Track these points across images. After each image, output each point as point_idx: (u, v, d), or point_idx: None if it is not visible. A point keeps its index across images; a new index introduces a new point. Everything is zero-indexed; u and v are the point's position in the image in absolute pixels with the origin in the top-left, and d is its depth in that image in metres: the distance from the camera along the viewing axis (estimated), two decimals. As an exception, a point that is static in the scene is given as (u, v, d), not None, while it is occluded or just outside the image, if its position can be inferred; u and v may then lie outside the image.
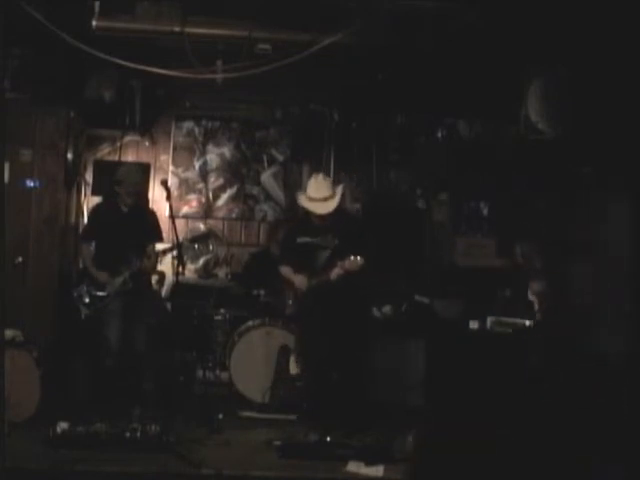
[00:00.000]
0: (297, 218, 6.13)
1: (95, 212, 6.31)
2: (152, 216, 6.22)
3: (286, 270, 5.85)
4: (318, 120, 7.67)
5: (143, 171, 7.15)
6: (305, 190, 5.74)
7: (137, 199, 6.09)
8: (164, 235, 6.29)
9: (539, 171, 6.72)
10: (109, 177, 6.45)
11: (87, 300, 5.86)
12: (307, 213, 5.69)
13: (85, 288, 5.90)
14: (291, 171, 7.90)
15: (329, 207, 5.57)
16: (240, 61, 6.02)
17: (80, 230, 6.95)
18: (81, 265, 6.46)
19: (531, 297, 5.53)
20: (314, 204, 5.60)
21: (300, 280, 5.73)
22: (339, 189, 5.68)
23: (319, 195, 5.59)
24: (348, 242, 5.55)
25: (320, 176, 5.73)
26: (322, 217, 5.62)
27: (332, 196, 5.60)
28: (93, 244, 6.07)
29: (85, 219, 7.00)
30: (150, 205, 6.91)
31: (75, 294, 5.91)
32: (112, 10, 5.82)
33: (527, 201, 6.73)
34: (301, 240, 5.73)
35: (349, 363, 5.66)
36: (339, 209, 5.67)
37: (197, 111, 7.77)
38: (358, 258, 5.36)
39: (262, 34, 5.95)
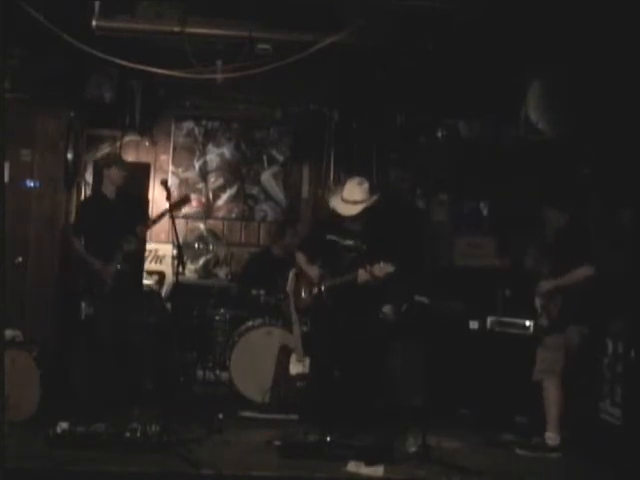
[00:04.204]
0: (325, 216, 6.16)
1: (84, 206, 6.31)
2: (135, 198, 6.20)
3: (301, 258, 5.85)
4: (318, 120, 7.68)
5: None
6: (340, 191, 5.75)
7: (125, 181, 6.03)
8: (163, 235, 6.30)
9: (539, 171, 6.73)
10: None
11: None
12: (337, 214, 5.71)
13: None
14: (291, 171, 7.91)
15: (354, 210, 5.58)
16: (240, 61, 6.02)
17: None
18: (75, 259, 6.40)
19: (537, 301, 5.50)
20: (344, 206, 5.62)
21: (314, 271, 5.74)
22: (373, 197, 5.64)
23: (352, 198, 5.61)
24: (376, 248, 5.57)
25: (357, 180, 5.70)
26: (351, 219, 5.64)
27: (364, 201, 5.59)
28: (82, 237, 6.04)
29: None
30: (150, 205, 6.91)
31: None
32: (112, 10, 5.82)
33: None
34: (330, 238, 5.74)
35: (352, 362, 5.66)
36: (371, 215, 5.65)
37: (197, 111, 7.78)
38: (389, 265, 5.37)
39: (262, 34, 5.95)
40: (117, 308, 5.84)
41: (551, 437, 5.23)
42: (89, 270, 5.87)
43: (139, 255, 6.17)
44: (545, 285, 5.39)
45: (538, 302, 5.46)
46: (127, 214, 5.94)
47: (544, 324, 5.42)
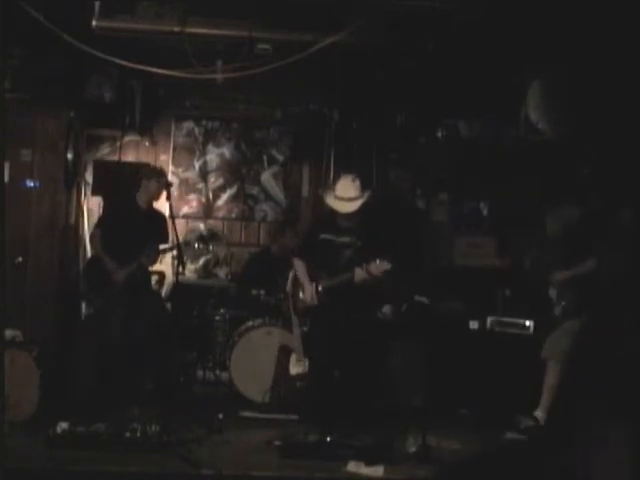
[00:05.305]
0: (322, 215, 6.15)
1: (114, 205, 6.43)
2: (163, 218, 6.31)
3: (299, 268, 5.83)
4: (318, 120, 7.68)
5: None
6: (333, 189, 5.73)
7: (159, 196, 6.20)
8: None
9: (539, 171, 6.73)
10: (109, 177, 6.49)
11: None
12: (332, 212, 5.70)
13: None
14: (291, 171, 7.91)
15: (352, 207, 5.57)
16: (240, 61, 6.03)
17: (81, 228, 7.03)
18: (91, 252, 6.48)
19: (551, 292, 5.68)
20: (340, 203, 5.60)
21: (308, 288, 5.73)
22: (366, 193, 5.63)
23: (346, 195, 5.59)
24: (372, 244, 5.55)
25: (350, 177, 5.68)
26: (346, 216, 5.62)
27: (358, 198, 5.58)
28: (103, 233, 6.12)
29: (86, 217, 7.10)
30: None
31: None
32: (112, 10, 5.83)
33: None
34: (325, 237, 5.73)
35: (352, 362, 5.66)
36: (366, 212, 5.64)
37: (197, 111, 7.77)
38: (385, 262, 5.36)
39: (262, 34, 5.96)
40: (124, 308, 5.89)
41: (539, 415, 5.45)
42: (101, 268, 5.93)
43: (147, 273, 6.38)
44: (560, 275, 5.58)
45: (552, 293, 5.66)
46: (151, 228, 6.10)
47: (559, 312, 5.60)
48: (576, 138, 6.21)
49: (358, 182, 5.65)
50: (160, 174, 6.26)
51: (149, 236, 6.06)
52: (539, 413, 5.48)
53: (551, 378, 5.46)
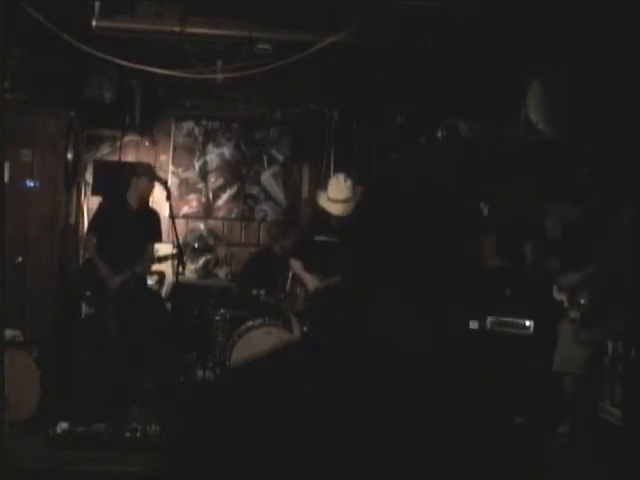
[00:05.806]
0: (315, 216, 6.13)
1: (104, 208, 6.37)
2: (156, 216, 6.28)
3: (297, 266, 5.81)
4: (318, 120, 7.68)
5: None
6: (326, 190, 5.68)
7: (149, 194, 6.17)
8: (164, 235, 6.32)
9: (539, 171, 6.72)
10: (109, 177, 6.48)
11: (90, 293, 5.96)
12: (325, 213, 5.64)
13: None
14: (291, 171, 7.91)
15: (348, 209, 5.51)
16: (240, 61, 6.03)
17: (81, 228, 7.03)
18: (86, 255, 6.49)
19: (558, 295, 5.55)
20: (333, 205, 5.54)
21: (311, 280, 5.70)
22: (358, 191, 5.56)
23: (339, 196, 5.53)
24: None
25: (341, 177, 5.63)
26: (340, 218, 5.57)
27: (351, 199, 5.51)
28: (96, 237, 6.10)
29: (86, 217, 7.10)
30: (150, 205, 6.93)
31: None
32: (112, 10, 5.82)
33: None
34: (319, 238, 5.70)
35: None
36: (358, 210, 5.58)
37: (197, 111, 7.77)
38: None
39: (262, 34, 5.95)
40: (120, 309, 5.89)
41: (563, 430, 5.37)
42: (95, 272, 5.92)
43: (143, 276, 6.39)
44: (571, 279, 5.42)
45: (558, 296, 5.50)
46: (143, 228, 6.07)
47: (576, 317, 5.41)
48: (576, 138, 6.20)
49: (350, 182, 5.60)
50: (150, 171, 6.23)
51: (142, 235, 6.02)
52: (563, 428, 5.37)
53: (571, 394, 5.36)
